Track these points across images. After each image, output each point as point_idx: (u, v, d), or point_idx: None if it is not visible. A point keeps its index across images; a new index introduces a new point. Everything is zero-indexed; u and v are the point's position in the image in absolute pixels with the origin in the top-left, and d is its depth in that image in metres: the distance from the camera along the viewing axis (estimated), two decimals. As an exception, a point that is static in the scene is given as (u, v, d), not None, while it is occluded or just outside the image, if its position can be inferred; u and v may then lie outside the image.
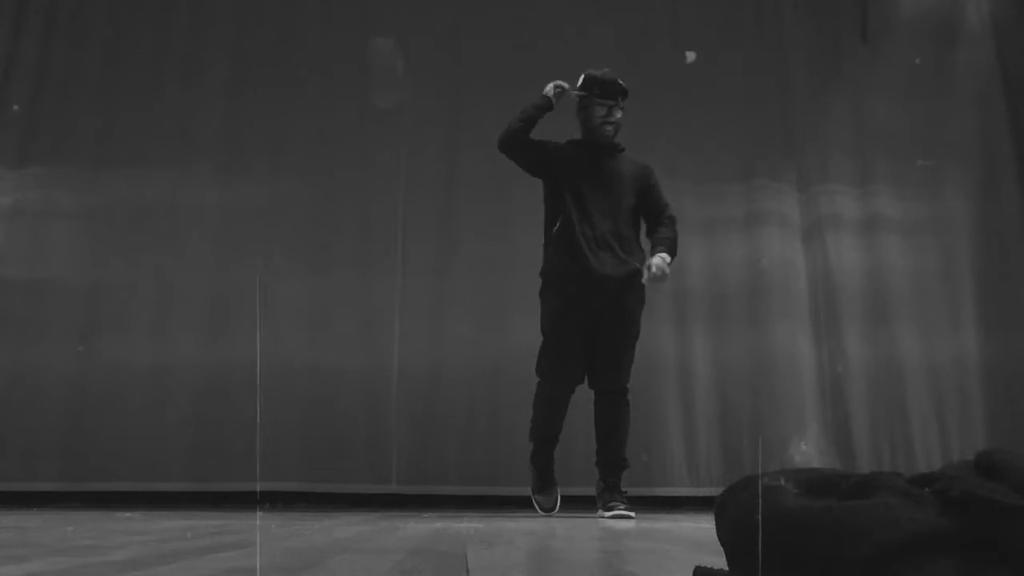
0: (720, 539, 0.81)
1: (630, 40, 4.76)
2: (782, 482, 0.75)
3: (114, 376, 4.34)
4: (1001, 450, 0.70)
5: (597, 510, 3.34)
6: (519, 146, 3.39)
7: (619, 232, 3.37)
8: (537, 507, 3.43)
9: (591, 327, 3.33)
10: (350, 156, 4.67)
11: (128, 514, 3.09)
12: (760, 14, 4.96)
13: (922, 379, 4.53)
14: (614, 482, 3.35)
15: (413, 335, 4.48)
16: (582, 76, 3.46)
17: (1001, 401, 4.52)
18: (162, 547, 1.48)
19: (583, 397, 3.41)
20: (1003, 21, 4.97)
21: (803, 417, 4.46)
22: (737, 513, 0.77)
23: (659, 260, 3.27)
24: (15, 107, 4.63)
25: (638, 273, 3.33)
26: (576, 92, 3.44)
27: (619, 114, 3.45)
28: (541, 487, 3.43)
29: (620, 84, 3.44)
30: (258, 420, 4.22)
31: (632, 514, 3.20)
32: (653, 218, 3.48)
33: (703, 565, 0.81)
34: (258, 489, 4.21)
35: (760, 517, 0.73)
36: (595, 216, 3.35)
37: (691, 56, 4.67)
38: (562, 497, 3.45)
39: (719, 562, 0.81)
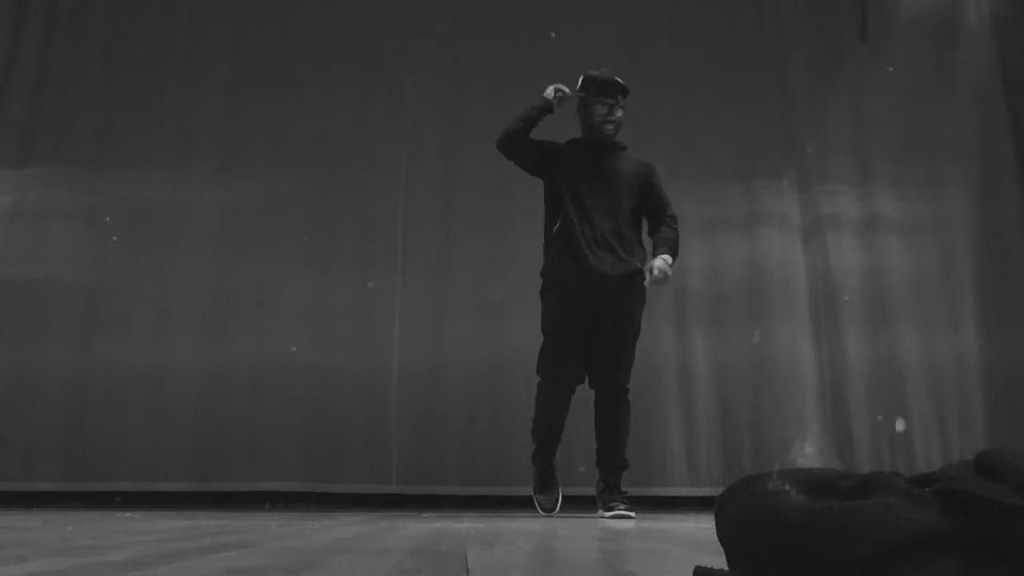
0: (720, 539, 0.81)
1: (630, 40, 4.77)
2: (782, 482, 0.75)
3: (114, 376, 4.34)
4: (1001, 450, 0.70)
5: (597, 510, 3.33)
6: (518, 147, 3.39)
7: (619, 231, 3.36)
8: (538, 507, 3.43)
9: (591, 327, 3.32)
10: (350, 156, 4.67)
11: (128, 514, 3.09)
12: (760, 14, 4.97)
13: (922, 379, 4.53)
14: (614, 482, 3.35)
15: (413, 335, 4.48)
16: (581, 78, 3.46)
17: (1001, 401, 4.52)
18: (162, 547, 1.48)
19: (583, 397, 3.41)
20: (1003, 21, 4.98)
21: (803, 417, 4.46)
22: (737, 513, 0.77)
23: (661, 262, 3.27)
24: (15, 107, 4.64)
25: (638, 273, 3.32)
26: (576, 94, 3.44)
27: (620, 112, 3.44)
28: (542, 487, 3.43)
29: (619, 82, 3.43)
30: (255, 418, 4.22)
31: (632, 514, 3.19)
32: (655, 217, 3.47)
33: (703, 565, 0.81)
34: (258, 489, 4.22)
35: (760, 517, 0.73)
36: (595, 216, 3.34)
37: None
38: (563, 497, 3.45)
39: (719, 562, 0.81)
